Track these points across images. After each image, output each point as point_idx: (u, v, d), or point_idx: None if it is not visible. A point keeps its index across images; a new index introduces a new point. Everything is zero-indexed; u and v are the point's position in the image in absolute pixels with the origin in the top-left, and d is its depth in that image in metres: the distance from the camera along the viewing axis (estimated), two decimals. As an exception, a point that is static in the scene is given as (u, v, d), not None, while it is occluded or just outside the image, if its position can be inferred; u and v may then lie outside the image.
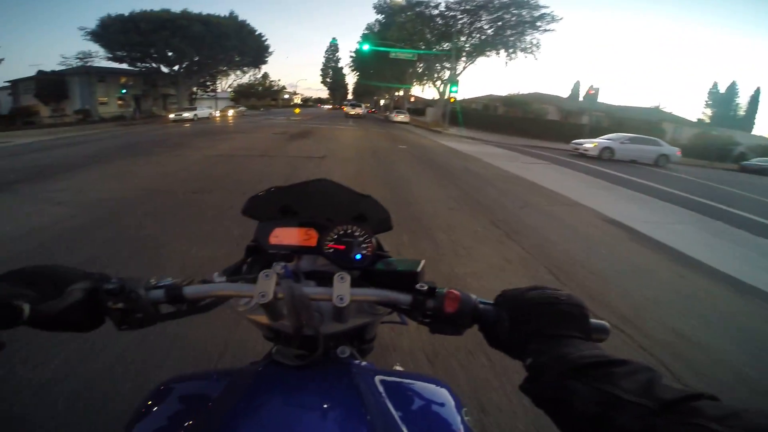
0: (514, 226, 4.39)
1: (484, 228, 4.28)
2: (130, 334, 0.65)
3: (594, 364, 0.36)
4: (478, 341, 0.61)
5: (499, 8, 25.57)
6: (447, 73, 29.40)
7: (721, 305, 2.98)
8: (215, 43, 31.11)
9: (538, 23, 25.79)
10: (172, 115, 26.26)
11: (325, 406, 0.47)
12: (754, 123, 49.64)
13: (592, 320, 0.45)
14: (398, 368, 0.90)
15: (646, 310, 2.70)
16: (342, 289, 0.49)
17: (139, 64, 31.53)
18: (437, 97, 32.32)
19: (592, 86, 37.31)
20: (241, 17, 35.09)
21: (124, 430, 0.48)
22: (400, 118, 31.85)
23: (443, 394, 0.56)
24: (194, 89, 39.66)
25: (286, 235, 0.66)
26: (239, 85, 56.36)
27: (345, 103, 50.85)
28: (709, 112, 52.84)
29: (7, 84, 32.07)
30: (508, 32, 26.82)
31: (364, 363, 0.61)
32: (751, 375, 2.11)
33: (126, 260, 2.82)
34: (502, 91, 56.07)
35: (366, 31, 38.63)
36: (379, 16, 33.82)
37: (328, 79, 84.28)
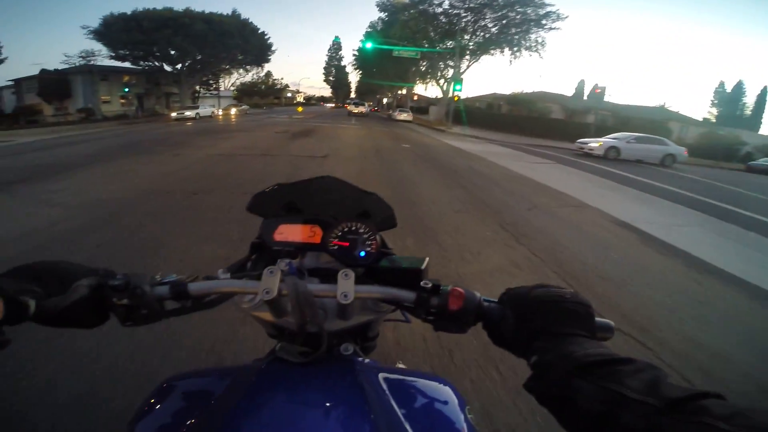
0: (522, 229, 4.26)
1: (491, 231, 4.15)
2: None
3: (599, 362, 0.36)
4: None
5: (504, 6, 25.30)
6: (451, 72, 29.21)
7: (740, 313, 2.87)
8: (218, 41, 31.02)
9: (544, 21, 25.48)
10: (174, 114, 26.19)
11: (329, 403, 0.47)
12: (760, 123, 49.23)
13: (597, 319, 0.45)
14: (401, 366, 0.88)
15: (662, 319, 2.59)
16: (346, 286, 0.49)
17: (141, 62, 31.49)
18: (440, 95, 32.16)
19: (596, 85, 36.93)
20: (243, 15, 35.06)
21: (127, 427, 0.47)
22: (403, 116, 31.90)
23: (446, 392, 0.55)
24: (197, 88, 39.68)
25: (290, 232, 0.66)
26: (242, 84, 56.53)
27: (348, 101, 50.88)
28: (714, 111, 52.44)
29: (10, 83, 32.11)
30: (513, 30, 26.54)
31: (367, 360, 0.61)
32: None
33: (120, 267, 2.69)
34: (506, 89, 55.80)
35: (369, 29, 38.36)
36: (383, 14, 33.50)
37: (330, 78, 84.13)
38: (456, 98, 23.74)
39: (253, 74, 49.46)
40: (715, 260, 3.89)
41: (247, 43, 34.19)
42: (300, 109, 46.49)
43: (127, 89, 32.56)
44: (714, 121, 47.50)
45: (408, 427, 0.46)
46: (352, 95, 76.90)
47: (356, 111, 35.45)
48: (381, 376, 0.54)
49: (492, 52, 28.12)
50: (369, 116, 36.93)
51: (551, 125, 27.41)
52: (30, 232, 3.39)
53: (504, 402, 1.68)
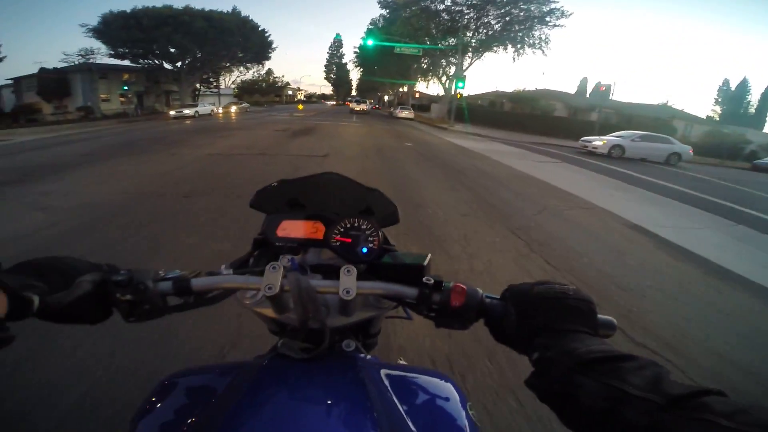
0: (534, 235, 4.03)
1: (501, 237, 3.92)
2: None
3: (601, 359, 0.36)
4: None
5: (507, 3, 24.95)
6: (453, 69, 28.90)
7: (766, 324, 2.71)
8: (218, 39, 30.80)
9: (548, 18, 25.09)
10: (172, 112, 25.78)
11: (331, 399, 0.47)
12: (765, 120, 48.82)
13: (599, 316, 0.45)
14: (402, 362, 0.87)
15: (687, 333, 2.44)
16: (348, 282, 0.49)
17: (141, 60, 31.26)
18: (442, 93, 31.89)
19: (599, 82, 36.57)
20: (243, 13, 34.72)
21: (129, 425, 0.47)
22: (404, 114, 31.93)
23: (448, 388, 0.55)
24: (197, 86, 39.42)
25: (293, 228, 0.66)
26: (243, 82, 56.24)
27: (349, 99, 50.82)
28: (718, 109, 52.06)
29: (9, 81, 31.92)
30: (516, 27, 26.18)
31: (369, 357, 0.60)
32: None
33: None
34: (509, 87, 55.61)
35: (370, 26, 38.08)
36: (384, 11, 33.19)
37: (332, 75, 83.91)
38: (459, 96, 23.49)
39: (253, 72, 49.35)
40: (733, 266, 3.73)
41: (247, 41, 33.97)
42: (301, 106, 46.32)
43: (126, 87, 32.32)
44: (718, 119, 47.16)
45: (410, 423, 0.45)
46: (353, 93, 76.54)
47: (358, 108, 35.68)
48: (383, 372, 0.53)
49: (495, 49, 27.78)
50: (370, 114, 36.93)
51: (554, 123, 27.16)
52: (6, 240, 3.17)
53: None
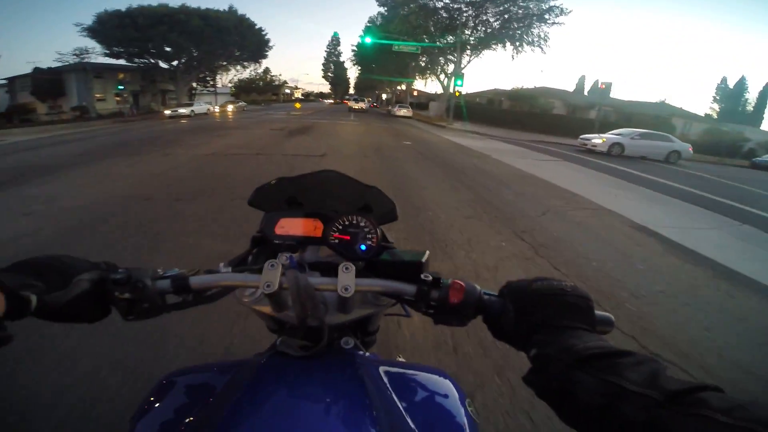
0: (539, 238, 3.89)
1: (506, 240, 3.78)
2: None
3: (599, 355, 0.36)
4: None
5: (506, 0, 24.81)
6: (451, 67, 28.76)
7: None
8: (214, 37, 30.52)
9: (546, 16, 24.95)
10: (167, 112, 25.41)
11: (330, 397, 0.47)
12: (762, 118, 48.90)
13: (597, 312, 0.45)
14: (401, 359, 0.86)
15: (702, 341, 2.34)
16: (347, 279, 0.49)
17: (136, 59, 30.98)
18: (441, 91, 31.74)
19: (598, 80, 36.49)
20: (240, 11, 34.53)
21: (129, 424, 0.47)
22: (403, 112, 31.84)
23: (447, 385, 0.55)
24: (194, 84, 39.14)
25: (291, 226, 0.66)
26: (239, 80, 55.92)
27: (347, 97, 50.71)
28: (716, 107, 52.06)
29: (3, 81, 31.63)
30: (515, 25, 26.04)
31: (368, 354, 0.60)
32: None
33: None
34: (508, 85, 55.53)
35: (368, 24, 37.86)
36: (382, 9, 32.99)
37: (329, 74, 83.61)
38: (457, 94, 23.37)
39: (250, 71, 49.02)
40: (742, 268, 3.63)
41: (244, 40, 33.72)
42: (298, 105, 45.96)
43: (121, 87, 32.02)
44: (716, 117, 47.16)
45: (409, 420, 0.45)
46: (351, 91, 76.27)
47: (356, 107, 35.69)
48: (381, 369, 0.53)
49: (493, 46, 27.64)
50: (368, 112, 36.83)
51: (553, 121, 27.04)
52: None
53: None
